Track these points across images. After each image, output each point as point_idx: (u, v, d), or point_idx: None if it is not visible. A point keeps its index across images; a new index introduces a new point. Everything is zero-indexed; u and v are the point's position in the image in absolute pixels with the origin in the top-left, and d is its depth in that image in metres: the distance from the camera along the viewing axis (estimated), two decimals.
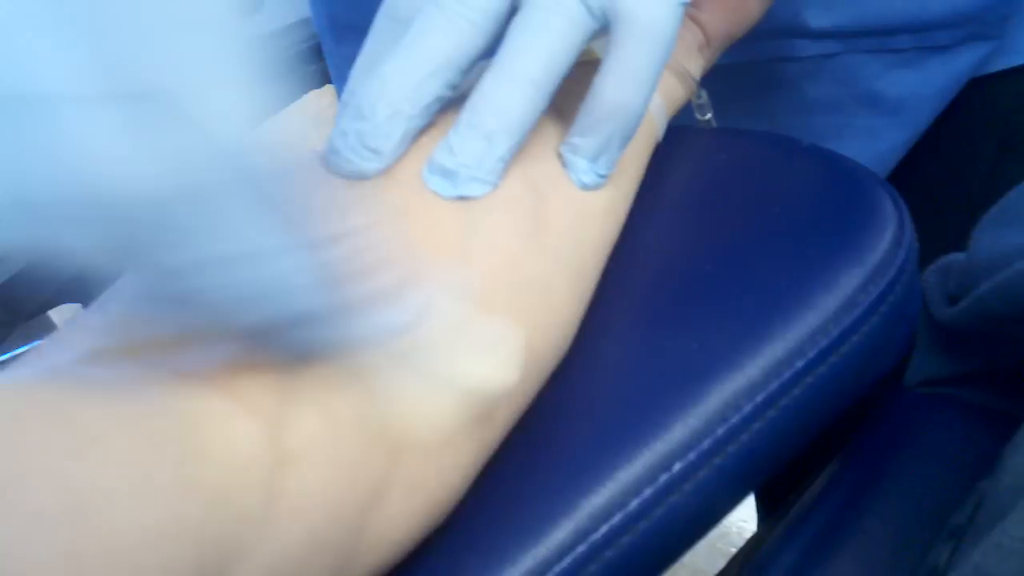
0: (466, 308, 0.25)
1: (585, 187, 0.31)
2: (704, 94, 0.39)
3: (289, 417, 0.21)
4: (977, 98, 0.49)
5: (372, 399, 0.23)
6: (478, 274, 0.26)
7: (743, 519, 1.14)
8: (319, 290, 0.21)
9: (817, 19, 0.45)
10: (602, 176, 0.31)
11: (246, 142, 0.19)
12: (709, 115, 0.39)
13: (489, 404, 0.25)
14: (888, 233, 0.30)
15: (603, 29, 0.30)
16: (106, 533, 0.17)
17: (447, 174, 0.28)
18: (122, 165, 0.17)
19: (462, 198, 0.28)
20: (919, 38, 0.46)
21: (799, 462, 0.32)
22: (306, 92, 1.07)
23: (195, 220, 0.18)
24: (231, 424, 0.20)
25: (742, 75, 0.45)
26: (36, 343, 0.24)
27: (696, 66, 0.38)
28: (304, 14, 1.04)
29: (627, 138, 0.30)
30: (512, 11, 0.30)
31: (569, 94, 0.30)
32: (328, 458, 0.22)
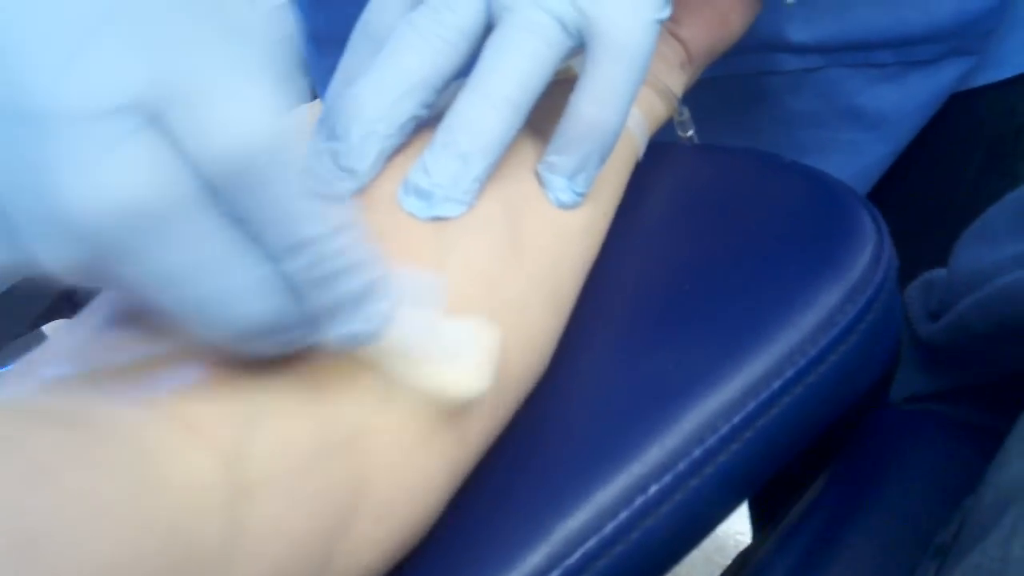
0: (435, 311, 0.25)
1: (563, 205, 0.30)
2: (686, 111, 0.38)
3: (247, 446, 0.21)
4: (960, 112, 0.49)
5: (334, 423, 0.23)
6: (453, 296, 0.26)
7: (740, 531, 1.14)
8: (287, 299, 0.21)
9: (799, 33, 0.45)
10: (579, 194, 0.31)
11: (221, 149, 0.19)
12: (691, 132, 0.39)
13: (460, 408, 0.25)
14: (867, 251, 0.30)
15: (579, 47, 0.29)
16: (60, 566, 0.17)
17: (422, 194, 0.28)
18: (94, 179, 0.17)
19: (437, 219, 0.28)
20: (900, 53, 0.46)
21: (789, 475, 0.31)
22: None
23: (156, 234, 0.18)
24: (188, 455, 0.20)
25: (725, 89, 0.45)
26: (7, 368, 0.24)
27: (677, 83, 0.38)
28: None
29: (604, 156, 0.30)
30: (487, 30, 0.29)
31: (546, 112, 0.30)
32: (289, 488, 0.21)
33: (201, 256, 0.19)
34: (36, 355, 0.23)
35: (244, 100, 0.19)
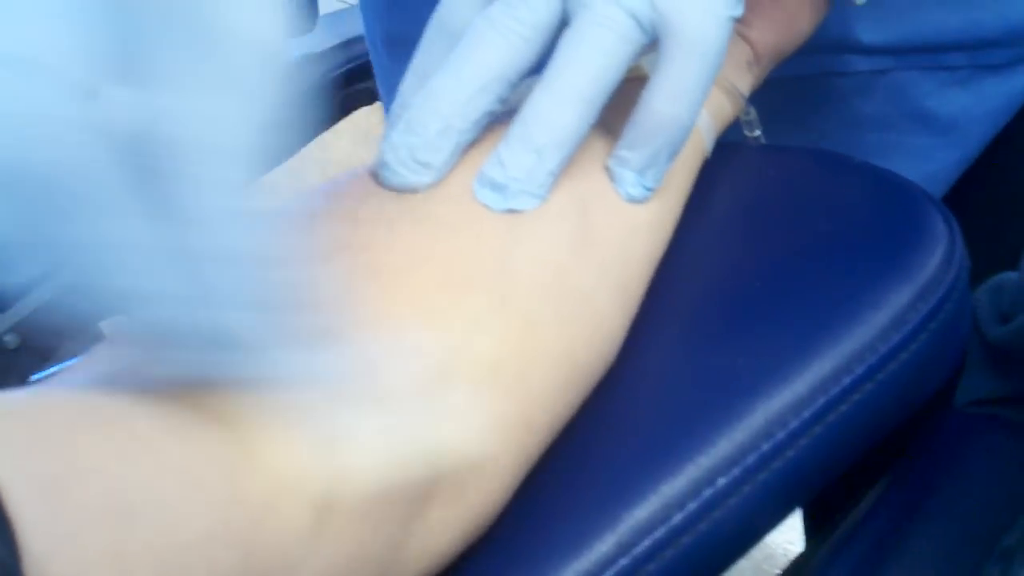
0: (429, 372, 0.24)
1: (632, 200, 0.31)
2: (752, 111, 0.39)
3: (338, 434, 0.22)
4: None
5: (402, 412, 0.23)
6: (521, 285, 0.27)
7: (789, 541, 1.13)
8: (256, 309, 0.20)
9: (869, 34, 0.45)
10: (649, 189, 0.31)
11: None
12: (758, 132, 0.39)
13: (523, 394, 0.25)
14: (938, 251, 0.30)
15: (652, 43, 0.30)
16: (154, 536, 0.17)
17: (497, 187, 0.28)
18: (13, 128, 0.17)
19: (511, 211, 0.28)
20: (973, 56, 0.45)
21: (847, 480, 0.31)
22: (354, 110, 1.08)
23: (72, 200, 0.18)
24: (284, 442, 0.21)
25: (792, 89, 0.45)
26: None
27: (745, 83, 0.38)
28: (349, 34, 1.06)
29: (675, 152, 0.31)
30: (562, 25, 0.30)
31: (616, 109, 0.30)
32: (372, 475, 0.22)
33: (113, 232, 0.18)
34: (112, 341, 0.24)
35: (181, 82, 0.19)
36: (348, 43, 1.09)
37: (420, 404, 0.24)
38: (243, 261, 0.19)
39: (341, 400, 0.22)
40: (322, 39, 1.08)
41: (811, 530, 0.65)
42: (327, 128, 1.08)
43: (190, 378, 0.21)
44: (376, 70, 0.61)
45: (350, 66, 1.07)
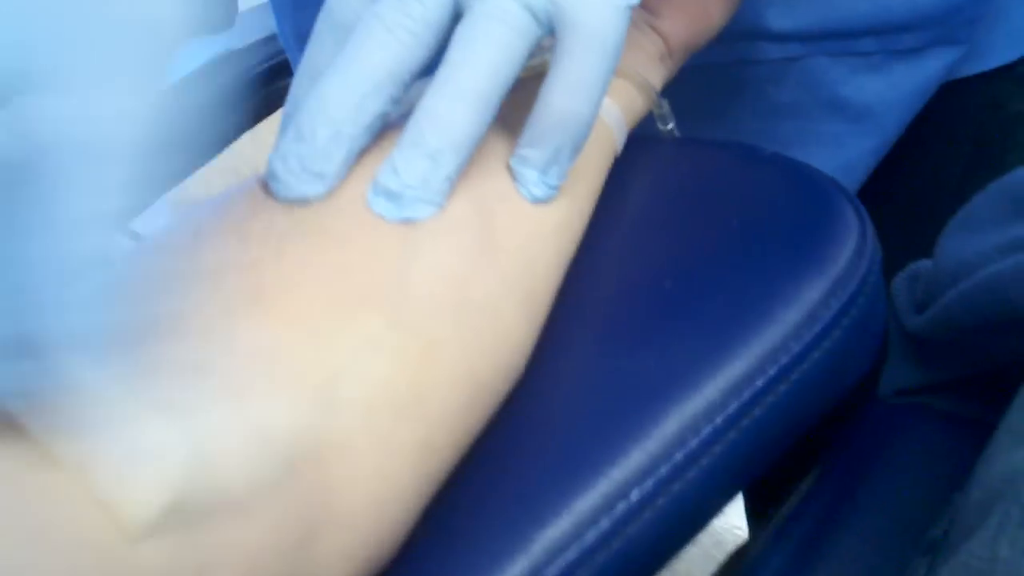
0: (134, 407, 0.20)
1: (536, 200, 0.30)
2: (665, 104, 0.38)
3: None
4: (948, 103, 0.48)
5: (279, 433, 0.22)
6: (419, 300, 0.26)
7: (737, 526, 1.14)
8: (82, 315, 0.19)
9: (779, 21, 0.44)
10: (553, 188, 0.30)
11: None
12: (671, 125, 0.38)
13: (420, 412, 0.24)
14: (850, 243, 0.29)
15: (548, 35, 0.29)
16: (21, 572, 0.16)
17: (392, 196, 0.27)
18: None
19: (408, 220, 0.27)
20: (883, 41, 0.45)
21: (782, 470, 0.31)
22: (281, 106, 1.06)
23: None
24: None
25: (704, 79, 0.44)
26: None
27: (657, 76, 0.37)
28: (274, 28, 1.04)
29: (578, 148, 0.30)
30: (454, 20, 0.29)
31: (517, 106, 0.29)
32: (245, 503, 0.21)
33: None
34: None
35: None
36: (274, 37, 1.07)
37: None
38: (85, 265, 0.18)
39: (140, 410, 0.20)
40: (245, 34, 1.06)
41: (753, 517, 0.65)
42: (257, 123, 1.06)
43: None
44: (293, 67, 0.60)
45: (277, 60, 1.05)
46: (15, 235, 0.18)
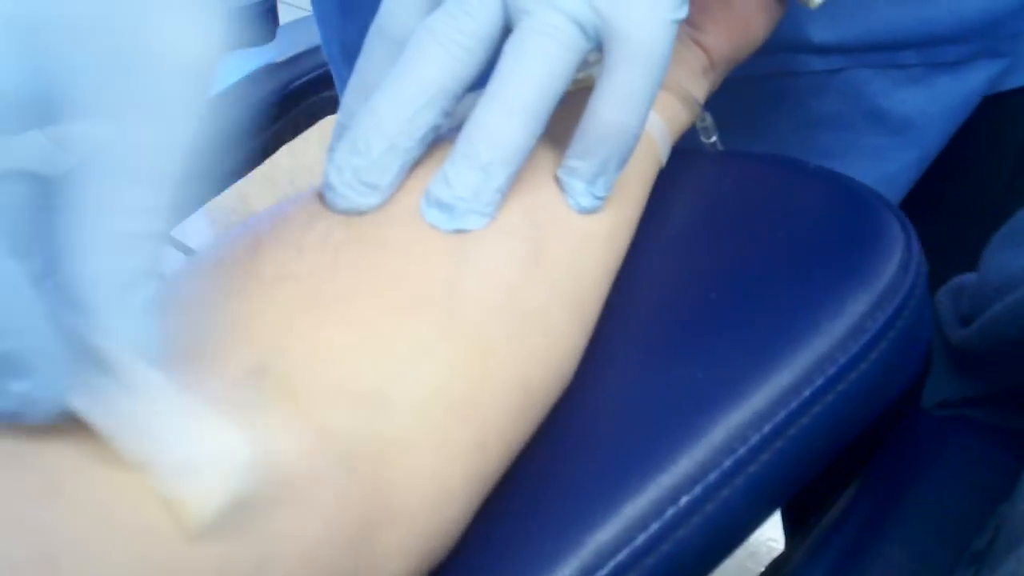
0: (195, 409, 0.21)
1: (583, 210, 0.30)
2: (708, 117, 0.38)
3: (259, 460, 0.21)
4: (991, 117, 0.48)
5: (336, 433, 0.23)
6: (471, 308, 0.26)
7: (772, 538, 1.13)
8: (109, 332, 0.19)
9: (821, 33, 0.44)
10: (599, 198, 0.30)
11: None
12: (714, 138, 0.39)
13: (470, 414, 0.25)
14: (895, 256, 0.30)
15: (596, 48, 0.29)
16: None
17: (444, 207, 0.28)
18: None
19: (460, 231, 0.28)
20: (926, 54, 0.45)
21: (822, 482, 0.31)
22: (321, 117, 1.08)
23: None
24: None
25: (746, 90, 0.45)
26: None
27: (700, 90, 0.38)
28: (313, 42, 1.05)
29: (624, 159, 0.30)
30: (505, 33, 0.29)
31: (565, 118, 0.30)
32: (305, 499, 0.21)
33: None
34: None
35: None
36: (312, 51, 1.08)
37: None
38: (118, 283, 0.19)
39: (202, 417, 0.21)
40: (285, 48, 1.07)
41: (790, 529, 0.65)
42: (295, 136, 1.07)
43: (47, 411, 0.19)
44: (336, 80, 0.61)
45: (315, 74, 1.06)
46: (60, 254, 0.19)
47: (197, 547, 0.19)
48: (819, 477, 0.30)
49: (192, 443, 0.20)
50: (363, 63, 0.32)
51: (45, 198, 0.19)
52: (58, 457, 0.19)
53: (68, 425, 0.20)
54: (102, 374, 0.19)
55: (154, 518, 0.19)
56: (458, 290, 0.26)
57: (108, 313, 0.19)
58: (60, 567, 0.17)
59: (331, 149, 0.31)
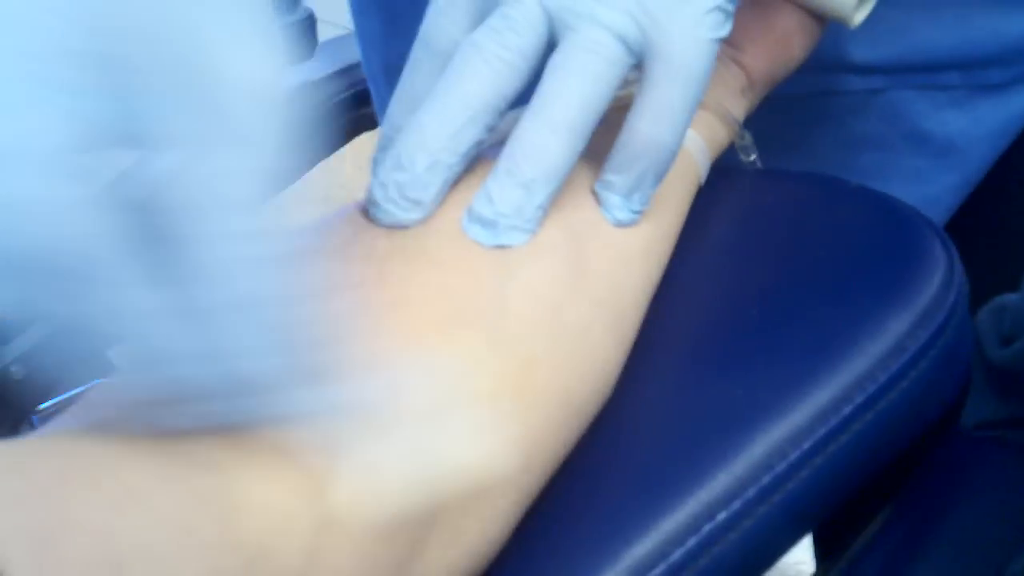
0: (450, 391, 0.24)
1: (620, 224, 0.31)
2: (748, 135, 0.38)
3: (330, 475, 0.21)
4: None
5: (406, 454, 0.23)
6: (515, 322, 0.26)
7: (800, 561, 1.12)
8: (275, 352, 0.20)
9: (862, 53, 0.44)
10: (636, 213, 0.31)
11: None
12: (754, 156, 0.39)
13: (521, 437, 0.25)
14: (937, 276, 0.30)
15: (637, 64, 0.30)
16: None
17: (486, 223, 0.28)
18: (54, 215, 0.17)
19: (501, 247, 0.28)
20: (968, 76, 0.45)
21: (855, 504, 0.31)
22: (357, 135, 1.09)
23: (79, 277, 0.18)
24: (272, 483, 0.20)
25: (786, 109, 0.44)
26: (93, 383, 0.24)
27: (739, 108, 0.38)
28: (350, 60, 1.06)
29: (661, 175, 0.30)
30: (549, 49, 0.30)
31: (604, 133, 0.30)
32: (367, 519, 0.22)
33: (121, 303, 0.18)
34: (101, 388, 0.24)
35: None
36: (348, 69, 1.09)
37: (427, 428, 0.24)
38: (256, 307, 0.20)
39: (346, 429, 0.22)
40: (322, 66, 1.09)
41: (821, 552, 0.65)
42: (331, 153, 1.08)
43: (199, 426, 0.21)
44: (375, 99, 0.61)
45: (351, 91, 1.07)
46: (181, 287, 0.19)
47: (272, 560, 0.20)
48: (854, 498, 0.30)
49: (361, 459, 0.22)
50: (408, 77, 0.32)
51: (163, 231, 0.19)
52: (140, 469, 0.19)
53: (147, 438, 0.20)
54: (252, 400, 0.21)
55: (236, 531, 0.19)
56: (504, 305, 0.27)
57: (242, 341, 0.20)
58: (125, 571, 0.17)
59: (374, 161, 0.31)
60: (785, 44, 0.39)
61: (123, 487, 0.19)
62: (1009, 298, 0.36)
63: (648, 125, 0.29)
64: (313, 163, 1.05)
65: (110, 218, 0.18)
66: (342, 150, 1.10)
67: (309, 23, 1.02)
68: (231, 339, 0.19)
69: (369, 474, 0.22)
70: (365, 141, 1.09)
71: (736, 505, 0.26)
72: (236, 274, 0.19)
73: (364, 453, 0.22)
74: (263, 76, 0.20)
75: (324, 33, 1.08)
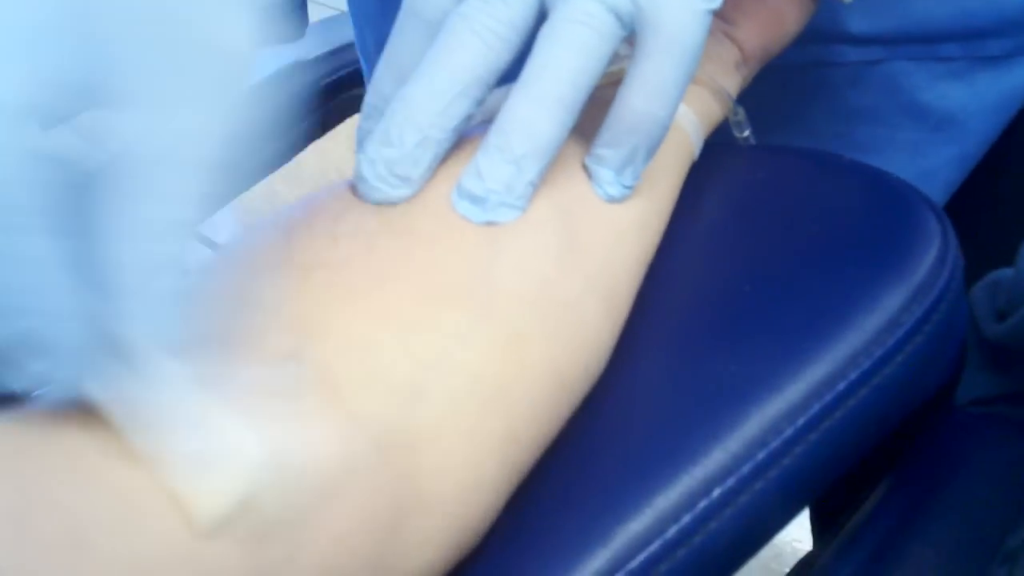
0: (211, 405, 0.21)
1: (611, 199, 0.30)
2: (741, 111, 0.38)
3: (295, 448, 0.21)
4: None
5: (368, 421, 0.23)
6: (504, 297, 0.26)
7: (797, 539, 1.12)
8: (157, 320, 0.20)
9: (859, 24, 0.44)
10: (628, 188, 0.30)
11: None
12: (747, 132, 0.39)
13: (505, 404, 0.25)
14: (932, 251, 0.29)
15: (629, 36, 0.29)
16: (107, 565, 0.17)
17: (476, 200, 0.28)
18: None
19: (491, 223, 0.28)
20: (967, 47, 0.44)
21: (851, 480, 0.31)
22: (350, 115, 1.08)
23: None
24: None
25: (781, 81, 0.44)
26: None
27: (732, 83, 0.38)
28: (342, 40, 1.05)
29: (653, 149, 0.30)
30: (539, 21, 0.29)
31: (595, 107, 0.30)
32: (338, 488, 0.21)
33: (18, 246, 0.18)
34: None
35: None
36: (341, 49, 1.08)
37: (245, 416, 0.21)
38: (154, 273, 0.19)
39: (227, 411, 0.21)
40: (314, 45, 1.08)
41: (818, 528, 0.65)
42: (324, 133, 1.08)
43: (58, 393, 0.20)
44: (367, 77, 0.61)
45: (345, 71, 1.06)
46: (92, 239, 0.19)
47: (205, 551, 0.20)
48: (850, 474, 0.30)
49: (204, 439, 0.20)
50: (394, 44, 0.31)
51: (84, 184, 0.19)
52: (85, 442, 0.19)
53: (96, 412, 0.20)
54: (120, 361, 0.19)
55: (159, 519, 0.19)
56: (492, 281, 0.26)
57: (132, 298, 0.19)
58: (87, 545, 0.17)
59: (359, 131, 0.31)
60: (779, 18, 0.38)
61: (86, 465, 0.19)
62: (1004, 273, 0.35)
63: (640, 99, 0.29)
64: (306, 144, 1.04)
65: (40, 165, 0.18)
66: (335, 131, 1.10)
67: (300, 2, 1.01)
68: (115, 301, 0.19)
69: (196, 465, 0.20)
70: (357, 121, 1.08)
71: (731, 481, 0.26)
72: (148, 236, 0.19)
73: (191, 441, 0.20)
74: (238, 42, 0.19)
75: (316, 13, 1.07)
